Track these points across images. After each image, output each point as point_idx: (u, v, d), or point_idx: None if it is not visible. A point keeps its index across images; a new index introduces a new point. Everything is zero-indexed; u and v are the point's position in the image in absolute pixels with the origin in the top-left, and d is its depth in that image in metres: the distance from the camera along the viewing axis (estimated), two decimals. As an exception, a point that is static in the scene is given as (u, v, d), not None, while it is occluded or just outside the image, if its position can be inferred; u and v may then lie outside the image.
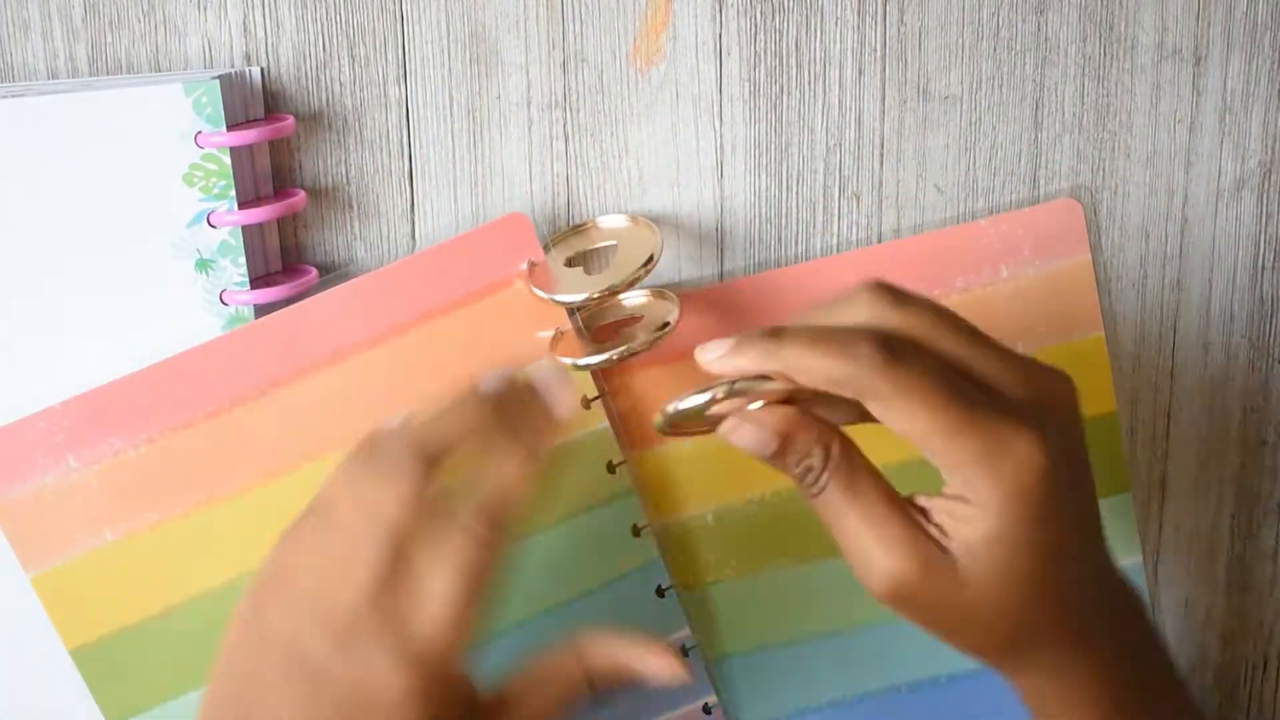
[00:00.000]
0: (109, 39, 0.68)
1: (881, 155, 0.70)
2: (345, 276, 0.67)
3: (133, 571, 0.65)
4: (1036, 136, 0.69)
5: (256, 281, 0.66)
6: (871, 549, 0.54)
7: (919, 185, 0.70)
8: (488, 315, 0.65)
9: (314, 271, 0.68)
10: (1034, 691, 0.57)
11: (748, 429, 0.55)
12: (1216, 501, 0.73)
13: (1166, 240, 0.70)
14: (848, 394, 0.54)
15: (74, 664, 0.65)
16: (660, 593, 0.68)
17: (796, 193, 0.70)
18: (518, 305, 0.66)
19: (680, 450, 0.69)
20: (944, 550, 0.54)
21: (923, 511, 0.55)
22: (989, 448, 0.53)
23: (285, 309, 0.66)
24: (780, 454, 0.55)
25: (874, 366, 0.52)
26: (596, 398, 0.68)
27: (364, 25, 0.68)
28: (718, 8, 0.68)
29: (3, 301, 0.66)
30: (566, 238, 0.69)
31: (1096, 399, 0.71)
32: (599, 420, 0.67)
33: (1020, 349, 0.68)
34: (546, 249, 0.68)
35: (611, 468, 0.67)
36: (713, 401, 0.55)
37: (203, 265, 0.66)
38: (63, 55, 0.68)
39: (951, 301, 0.69)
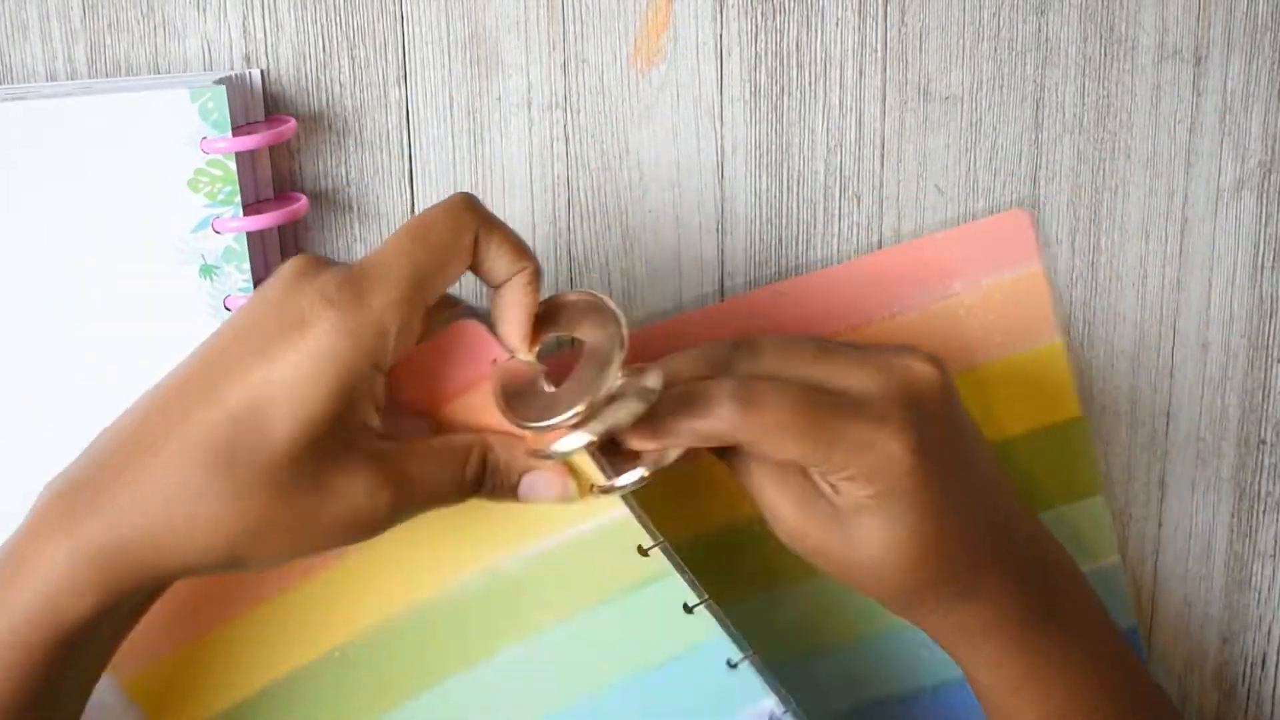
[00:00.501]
0: (108, 40, 0.68)
1: (882, 156, 0.70)
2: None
3: (214, 666, 0.66)
4: (1037, 137, 0.70)
5: (258, 285, 0.66)
6: (776, 503, 0.61)
7: (919, 186, 0.70)
8: (471, 407, 0.64)
9: (316, 275, 0.68)
10: (933, 632, 0.63)
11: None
12: (1215, 500, 0.73)
13: (1166, 240, 0.70)
14: (722, 445, 0.60)
15: None
16: (731, 665, 0.67)
17: (797, 193, 0.70)
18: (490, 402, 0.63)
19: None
20: (835, 508, 0.60)
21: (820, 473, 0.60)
22: (853, 454, 0.58)
23: None
24: None
25: (733, 419, 0.58)
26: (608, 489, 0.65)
27: (364, 26, 0.68)
28: (718, 9, 0.68)
29: (6, 306, 0.66)
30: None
31: (1059, 405, 0.71)
32: (616, 507, 0.64)
33: (981, 360, 0.70)
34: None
35: (643, 551, 0.65)
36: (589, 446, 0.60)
37: (207, 271, 0.65)
38: (61, 57, 0.68)
39: (907, 319, 0.70)
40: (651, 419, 0.59)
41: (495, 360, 0.61)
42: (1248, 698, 0.75)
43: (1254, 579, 0.74)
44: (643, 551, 0.65)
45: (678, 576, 0.65)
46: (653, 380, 0.60)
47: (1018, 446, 0.71)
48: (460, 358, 0.62)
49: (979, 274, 0.70)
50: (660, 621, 0.65)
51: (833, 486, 0.60)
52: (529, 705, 0.66)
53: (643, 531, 0.64)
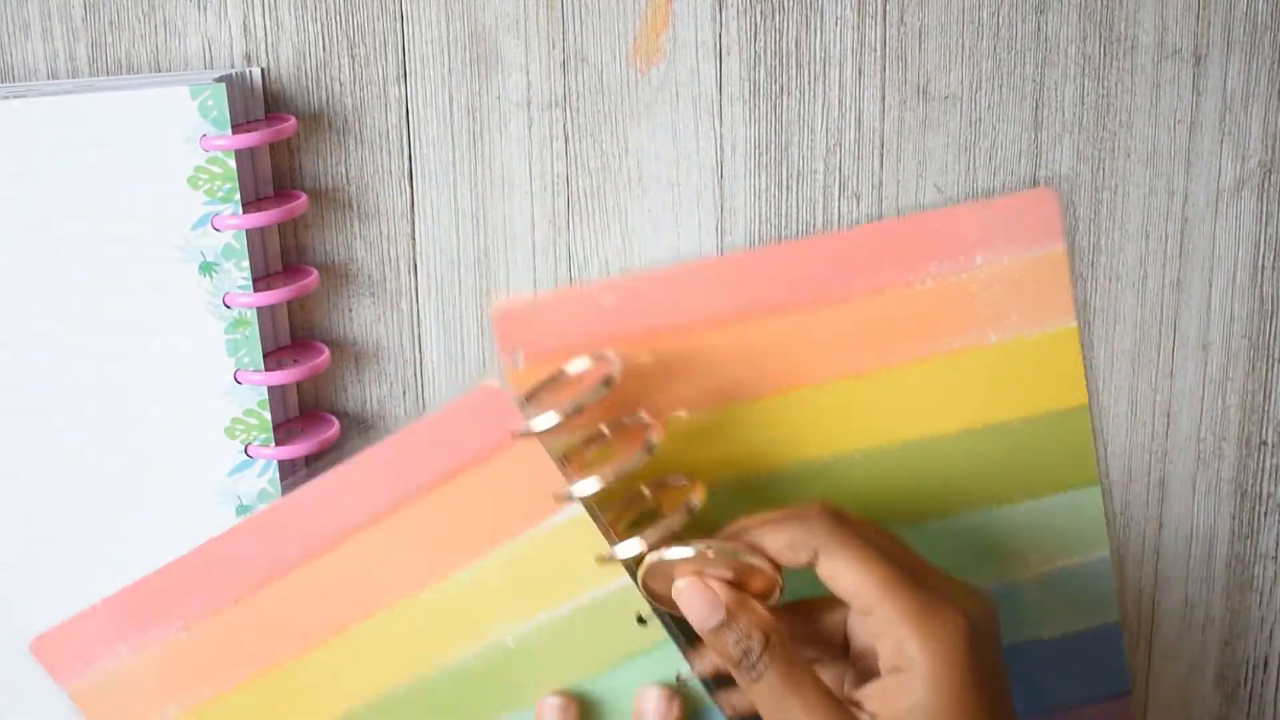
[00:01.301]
0: (109, 39, 0.68)
1: (881, 155, 0.70)
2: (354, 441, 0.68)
3: None
4: (1036, 136, 0.69)
5: (258, 283, 0.66)
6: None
7: (919, 185, 0.70)
8: (484, 481, 0.65)
9: (315, 274, 0.68)
10: None
11: (700, 594, 0.61)
12: (1216, 502, 0.73)
13: (1166, 240, 0.70)
14: (802, 556, 0.60)
15: None
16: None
17: (796, 193, 0.70)
18: (512, 468, 0.65)
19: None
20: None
21: (856, 703, 0.60)
22: (921, 608, 0.59)
23: (285, 499, 0.66)
24: (722, 628, 0.61)
25: (823, 525, 0.60)
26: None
27: (364, 25, 0.68)
28: (718, 8, 0.68)
29: (6, 304, 0.66)
30: (538, 392, 0.68)
31: (1068, 391, 0.71)
32: (618, 575, 0.66)
33: (993, 338, 0.70)
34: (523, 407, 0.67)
35: (641, 619, 0.67)
36: (701, 557, 0.61)
37: (206, 268, 0.66)
38: (63, 55, 0.68)
39: (925, 288, 0.69)
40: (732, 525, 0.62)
41: (515, 431, 0.64)
42: (1249, 700, 0.75)
43: (1256, 581, 0.74)
44: (641, 621, 0.66)
45: (670, 644, 0.67)
46: (697, 499, 0.64)
47: (1019, 430, 0.70)
48: (482, 423, 0.64)
49: (1001, 249, 0.70)
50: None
51: (872, 716, 0.60)
52: None
53: (643, 602, 0.66)
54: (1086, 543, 0.70)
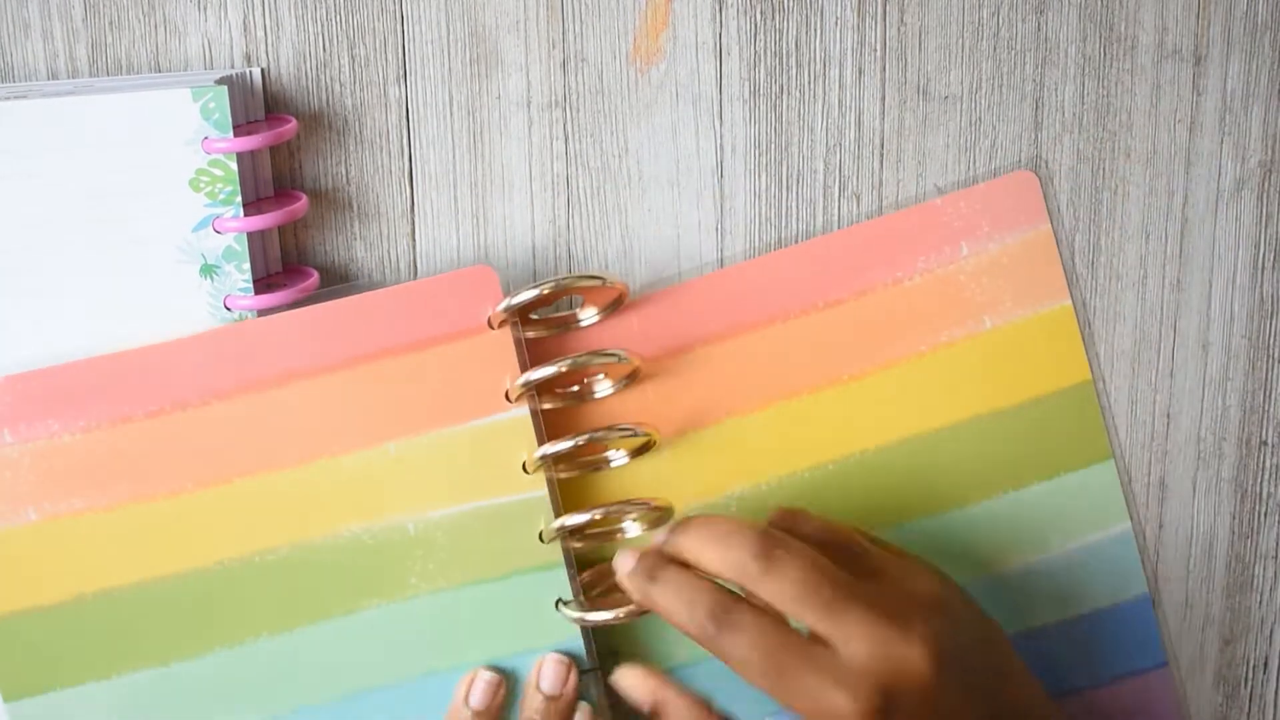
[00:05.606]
0: (109, 39, 0.68)
1: (881, 155, 0.70)
2: (344, 292, 0.67)
3: (49, 555, 0.65)
4: (1036, 136, 0.69)
5: (258, 285, 0.66)
6: None
7: (919, 185, 0.70)
8: (444, 361, 0.66)
9: (315, 274, 0.68)
10: None
11: (631, 686, 0.64)
12: (1216, 502, 0.73)
13: (1166, 240, 0.70)
14: (734, 579, 0.60)
15: None
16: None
17: (796, 193, 0.70)
18: (475, 356, 0.66)
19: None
20: None
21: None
22: (806, 705, 0.59)
23: (242, 323, 0.66)
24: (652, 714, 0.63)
25: (707, 635, 0.60)
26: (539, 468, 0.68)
27: (364, 25, 0.68)
28: (718, 8, 0.68)
29: (6, 305, 0.66)
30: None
31: (1069, 368, 0.71)
32: (532, 487, 0.67)
33: (988, 324, 0.70)
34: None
35: (543, 539, 0.68)
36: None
37: (207, 270, 0.66)
38: (63, 55, 0.68)
39: (914, 284, 0.70)
40: (677, 538, 0.62)
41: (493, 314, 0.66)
42: (1249, 701, 0.75)
43: (1256, 581, 0.74)
44: (542, 539, 0.67)
45: (564, 569, 0.67)
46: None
47: (1025, 413, 0.70)
48: (469, 298, 0.65)
49: (986, 236, 0.70)
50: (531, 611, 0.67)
51: None
52: (384, 665, 0.67)
53: (551, 515, 0.67)
54: (1106, 518, 0.70)
